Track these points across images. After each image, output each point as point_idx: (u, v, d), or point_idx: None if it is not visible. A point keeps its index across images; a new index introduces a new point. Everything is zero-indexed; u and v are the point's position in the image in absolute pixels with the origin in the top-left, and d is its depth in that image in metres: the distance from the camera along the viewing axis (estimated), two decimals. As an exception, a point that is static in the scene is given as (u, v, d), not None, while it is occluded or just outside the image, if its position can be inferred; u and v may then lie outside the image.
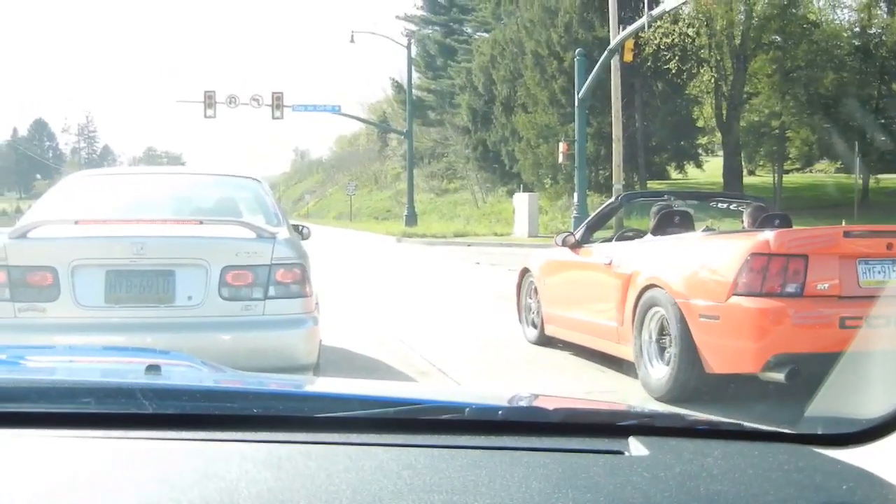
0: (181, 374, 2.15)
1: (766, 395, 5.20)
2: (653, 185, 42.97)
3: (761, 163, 42.40)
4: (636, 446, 1.50)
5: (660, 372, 6.28)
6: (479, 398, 1.73)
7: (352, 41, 45.42)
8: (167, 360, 2.27)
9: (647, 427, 1.59)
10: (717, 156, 44.97)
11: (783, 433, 1.65)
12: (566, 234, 8.49)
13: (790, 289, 5.52)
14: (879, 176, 35.28)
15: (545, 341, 8.62)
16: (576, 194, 27.06)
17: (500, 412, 1.62)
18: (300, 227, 6.74)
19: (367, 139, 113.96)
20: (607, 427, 1.61)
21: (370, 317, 10.91)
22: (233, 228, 5.27)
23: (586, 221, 8.51)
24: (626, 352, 6.87)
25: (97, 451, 1.39)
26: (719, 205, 9.03)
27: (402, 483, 1.28)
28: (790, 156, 39.51)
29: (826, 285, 5.56)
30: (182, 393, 1.70)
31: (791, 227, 6.80)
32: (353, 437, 1.48)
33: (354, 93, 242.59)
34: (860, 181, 26.65)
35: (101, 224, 5.26)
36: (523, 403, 1.76)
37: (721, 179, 39.77)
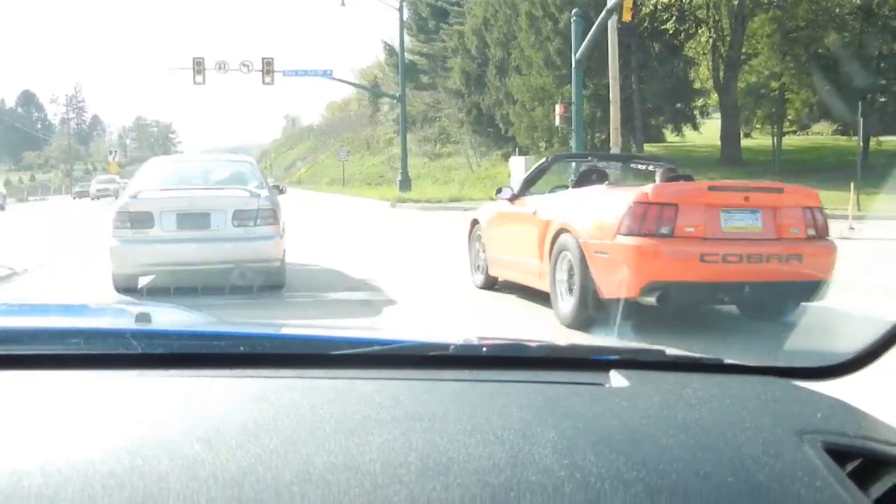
0: (171, 320, 2.22)
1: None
2: (649, 148, 42.57)
3: (758, 125, 41.71)
4: (617, 379, 1.53)
5: (568, 304, 7.54)
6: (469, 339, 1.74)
7: (343, 4, 44.61)
8: (159, 309, 2.33)
9: (629, 361, 1.63)
10: (714, 118, 44.32)
11: (762, 367, 1.69)
12: (506, 188, 9.74)
13: (663, 230, 6.74)
14: (881, 137, 34.74)
15: (490, 284, 9.92)
16: (573, 158, 26.47)
17: (484, 349, 1.62)
18: (280, 187, 11.76)
19: (358, 105, 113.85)
20: (589, 362, 1.65)
21: (356, 275, 11.36)
22: (238, 191, 10.02)
23: (523, 178, 9.74)
24: (546, 285, 8.06)
25: (85, 389, 1.41)
26: (639, 166, 10.19)
27: (385, 412, 1.31)
28: (788, 118, 38.83)
29: (692, 229, 6.79)
30: (170, 334, 1.77)
31: (786, 186, 7.82)
32: (339, 373, 1.51)
33: (345, 58, 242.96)
34: (861, 143, 26.08)
35: (172, 189, 9.99)
36: (507, 343, 1.76)
37: (718, 142, 39.34)
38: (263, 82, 40.50)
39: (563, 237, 7.76)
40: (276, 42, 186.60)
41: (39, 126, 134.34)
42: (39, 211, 41.90)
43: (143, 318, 1.97)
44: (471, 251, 10.60)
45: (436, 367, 1.59)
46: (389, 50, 68.94)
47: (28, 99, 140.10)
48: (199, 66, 40.17)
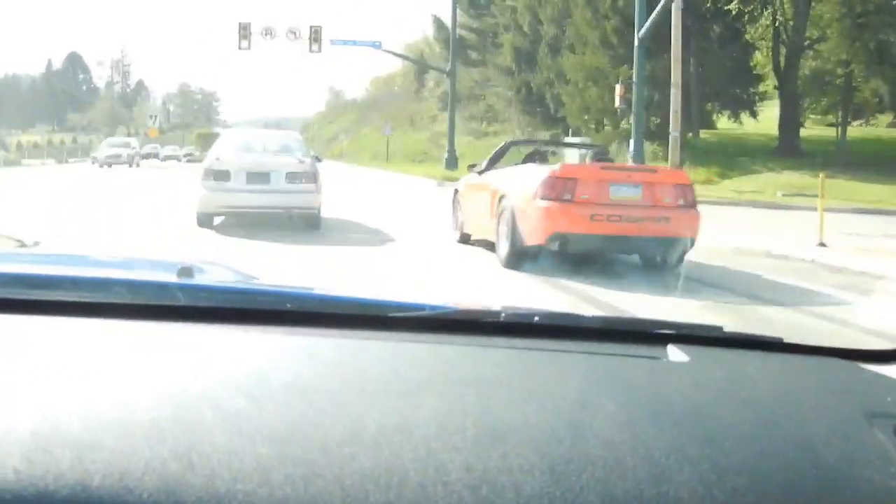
0: (214, 276, 2.19)
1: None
2: (704, 134, 41.23)
3: (812, 115, 39.98)
4: (675, 353, 1.51)
5: (504, 249, 10.07)
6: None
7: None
8: (201, 267, 2.23)
9: (686, 336, 1.60)
10: (768, 105, 42.64)
11: (825, 348, 1.65)
12: (475, 165, 12.69)
13: (565, 197, 9.31)
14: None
15: (465, 239, 12.38)
16: (631, 141, 25.45)
17: (536, 317, 1.60)
18: (317, 157, 15.31)
19: (403, 80, 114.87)
20: (645, 335, 1.63)
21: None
22: (289, 158, 14.11)
23: (488, 158, 12.45)
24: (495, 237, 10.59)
25: (126, 338, 1.40)
26: (580, 150, 14.11)
27: (437, 376, 1.29)
28: (854, 107, 37.26)
29: (587, 196, 9.33)
30: (215, 289, 1.74)
31: (659, 168, 11.47)
32: (388, 336, 1.49)
33: (392, 32, 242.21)
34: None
35: (242, 153, 14.25)
36: (560, 312, 1.73)
37: (774, 130, 37.94)
38: (310, 50, 39.79)
39: (504, 201, 10.35)
40: (322, 11, 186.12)
41: (85, 88, 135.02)
42: (68, 173, 41.23)
43: (186, 272, 1.93)
44: (453, 214, 13.23)
45: (487, 335, 1.55)
46: (438, 24, 67.88)
47: (75, 61, 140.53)
48: (244, 32, 39.35)
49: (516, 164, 11.89)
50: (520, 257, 9.92)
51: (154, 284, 1.73)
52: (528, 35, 47.88)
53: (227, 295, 1.68)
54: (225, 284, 1.92)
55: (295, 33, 39.66)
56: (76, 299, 1.55)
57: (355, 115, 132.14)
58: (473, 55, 60.63)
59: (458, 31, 58.24)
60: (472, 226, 12.13)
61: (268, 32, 39.68)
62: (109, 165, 50.57)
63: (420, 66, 64.42)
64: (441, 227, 13.85)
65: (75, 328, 1.44)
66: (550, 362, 1.43)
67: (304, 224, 14.13)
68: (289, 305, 1.59)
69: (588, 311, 6.24)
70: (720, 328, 1.69)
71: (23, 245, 11.07)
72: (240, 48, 39.39)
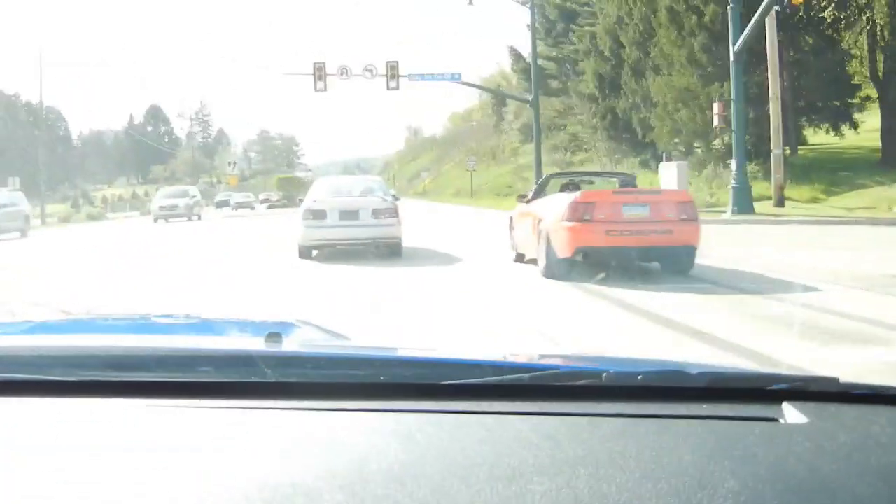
0: (303, 341, 2.21)
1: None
2: (802, 151, 39.44)
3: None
4: (791, 412, 1.42)
5: (543, 261, 12.44)
6: (612, 362, 1.67)
7: (470, 3, 42.61)
8: (288, 328, 2.30)
9: (800, 392, 1.51)
10: (867, 116, 40.26)
11: None
12: (524, 195, 15.06)
13: (585, 217, 11.78)
14: None
15: (520, 258, 14.44)
16: (733, 162, 24.06)
17: (639, 377, 1.52)
18: (396, 196, 18.25)
19: (481, 114, 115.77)
20: (757, 392, 1.53)
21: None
22: (375, 198, 17.21)
23: (533, 189, 15.16)
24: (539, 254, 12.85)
25: (216, 420, 1.39)
26: (610, 178, 17.09)
27: (544, 455, 1.25)
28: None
29: (603, 216, 11.76)
30: (304, 360, 1.72)
31: (666, 190, 15.37)
32: (486, 406, 1.44)
33: (467, 67, 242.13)
34: None
35: (335, 198, 17.22)
36: (661, 368, 1.63)
37: (872, 143, 36.09)
38: (388, 87, 38.93)
39: (542, 224, 12.69)
40: (396, 50, 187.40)
41: (167, 140, 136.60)
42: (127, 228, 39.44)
43: (274, 338, 1.86)
44: (509, 238, 15.62)
45: (589, 399, 1.49)
46: (515, 55, 67.14)
47: (155, 113, 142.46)
48: (319, 72, 38.75)
49: (555, 194, 14.16)
50: (555, 268, 12.31)
51: (240, 358, 1.66)
52: (610, 60, 46.57)
53: (317, 370, 1.62)
54: (315, 352, 1.86)
55: (371, 71, 38.92)
56: (162, 379, 1.52)
57: (435, 152, 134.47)
58: (554, 84, 59.60)
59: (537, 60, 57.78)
60: (522, 246, 14.59)
61: (344, 72, 39.01)
62: (165, 219, 44.49)
63: (500, 97, 63.64)
64: (503, 250, 16.05)
65: (163, 410, 1.40)
66: (660, 431, 1.35)
67: (388, 252, 16.93)
68: (382, 378, 1.55)
69: (650, 334, 7.27)
70: (836, 380, 1.54)
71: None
72: (316, 90, 38.79)
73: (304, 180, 74.05)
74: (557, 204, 12.83)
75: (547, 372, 1.57)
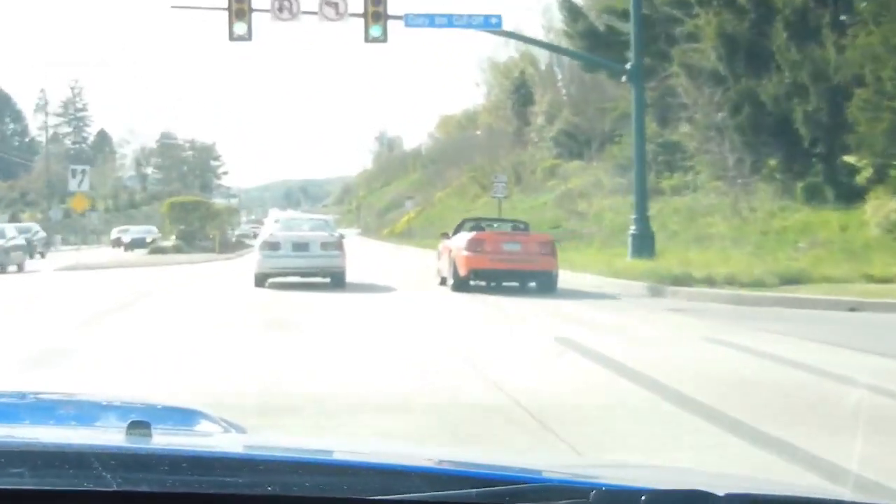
0: (174, 431, 2.24)
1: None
2: None
3: None
4: None
5: (450, 281, 28.76)
6: (596, 467, 1.90)
7: None
8: (166, 415, 2.42)
9: None
10: None
11: None
12: (446, 234, 31.81)
13: (477, 250, 27.89)
14: None
15: (442, 282, 29.85)
16: None
17: (643, 497, 1.58)
18: (342, 234, 33.03)
19: (494, 116, 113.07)
20: None
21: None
22: (323, 233, 31.37)
23: (453, 231, 31.28)
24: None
25: None
26: (512, 225, 33.20)
27: None
28: None
29: (490, 249, 28.08)
30: (163, 460, 1.70)
31: (527, 231, 31.59)
32: None
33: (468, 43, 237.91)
34: None
35: (288, 231, 31.64)
36: (669, 483, 1.78)
37: None
38: (368, 38, 30.75)
39: (451, 253, 28.56)
40: None
41: (17, 144, 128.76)
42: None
43: (138, 429, 1.92)
44: (437, 266, 31.59)
45: None
46: (571, 11, 58.40)
47: (2, 104, 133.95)
48: (241, 9, 29.32)
49: (463, 233, 29.57)
50: (458, 285, 27.13)
51: (71, 457, 1.67)
52: (748, 11, 39.74)
53: (180, 476, 1.63)
54: (180, 450, 1.86)
55: (336, 6, 29.52)
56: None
57: (419, 174, 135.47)
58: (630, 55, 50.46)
59: (596, 23, 55.48)
60: (443, 272, 29.83)
61: (284, 8, 29.59)
62: None
63: (588, 64, 54.44)
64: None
65: None
66: None
67: (333, 281, 29.13)
68: (270, 488, 1.58)
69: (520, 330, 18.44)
70: None
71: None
72: (232, 37, 29.87)
73: (216, 208, 74.82)
74: (461, 239, 28.32)
75: (507, 486, 1.56)
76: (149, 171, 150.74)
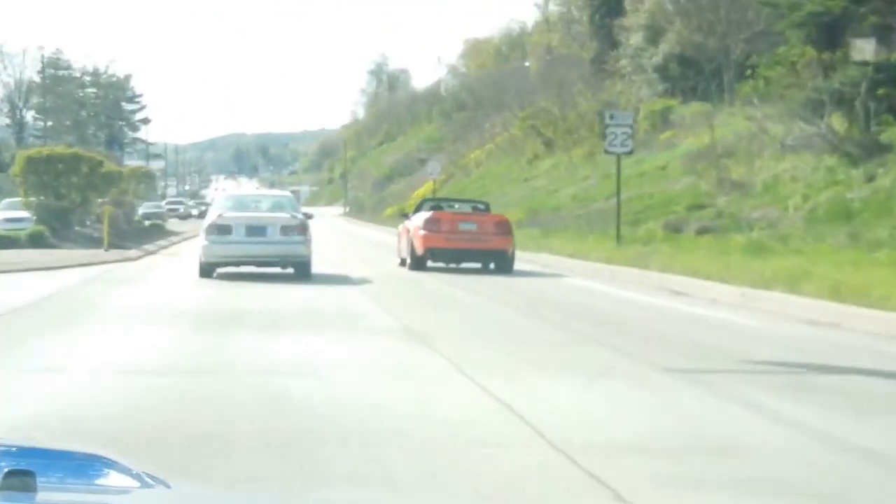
0: (66, 485, 2.36)
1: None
2: None
3: None
4: None
5: (408, 259, 41.42)
6: None
7: None
8: (59, 461, 2.51)
9: None
10: None
11: None
12: (405, 214, 48.45)
13: (433, 228, 39.99)
14: None
15: (402, 262, 42.78)
16: None
17: None
18: (308, 214, 38.25)
19: (557, 36, 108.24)
20: None
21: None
22: (284, 214, 35.40)
23: (413, 211, 45.14)
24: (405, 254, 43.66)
25: None
26: (472, 206, 46.63)
27: None
28: None
29: (446, 227, 40.27)
30: None
31: (489, 212, 44.87)
32: None
33: None
34: None
35: (241, 212, 35.51)
36: None
37: None
38: None
39: (409, 232, 40.90)
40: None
41: None
42: None
43: (17, 481, 1.98)
44: (397, 247, 44.41)
45: None
46: None
47: None
48: None
49: (421, 212, 41.03)
50: (416, 263, 38.47)
51: None
52: None
53: None
54: None
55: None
56: None
57: (440, 124, 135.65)
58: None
59: None
60: (402, 252, 41.30)
61: None
62: None
63: None
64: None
65: None
66: None
67: (296, 274, 32.22)
68: None
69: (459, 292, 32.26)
70: None
71: None
72: None
73: (110, 170, 66.55)
74: (419, 219, 38.35)
75: None
76: (28, 116, 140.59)
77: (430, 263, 38.80)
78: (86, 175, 60.35)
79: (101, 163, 63.48)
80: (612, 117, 53.52)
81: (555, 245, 53.73)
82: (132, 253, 50.16)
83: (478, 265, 39.40)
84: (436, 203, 45.25)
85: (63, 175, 59.40)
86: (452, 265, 38.98)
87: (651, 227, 55.06)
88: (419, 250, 38.27)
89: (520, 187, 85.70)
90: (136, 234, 61.14)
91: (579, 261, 46.68)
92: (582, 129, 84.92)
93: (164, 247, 58.05)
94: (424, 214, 40.01)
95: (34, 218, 61.66)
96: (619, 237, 49.08)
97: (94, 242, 52.69)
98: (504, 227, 39.76)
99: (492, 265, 38.84)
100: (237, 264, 32.10)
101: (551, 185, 79.90)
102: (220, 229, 31.01)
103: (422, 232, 38.37)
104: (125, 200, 66.77)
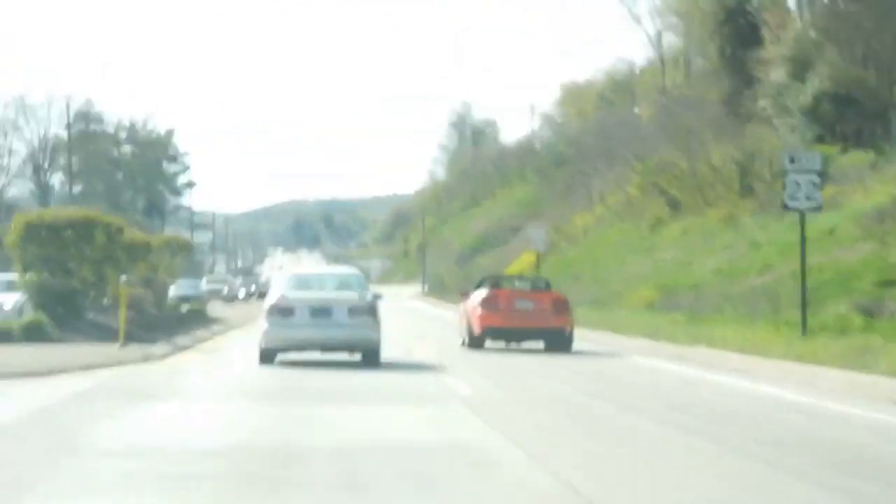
0: None
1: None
2: None
3: None
4: None
5: (466, 338, 50.86)
6: None
7: None
8: None
9: None
10: None
11: None
12: (465, 292, 54.84)
13: (491, 307, 48.80)
14: None
15: (462, 343, 52.34)
16: None
17: None
18: (378, 295, 41.57)
19: (674, 75, 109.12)
20: None
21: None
22: (351, 294, 38.54)
23: (475, 286, 55.70)
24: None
25: None
26: (531, 284, 56.13)
27: None
28: None
29: (502, 306, 49.21)
30: None
31: (549, 289, 53.06)
32: None
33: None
34: None
35: (305, 291, 38.85)
36: None
37: None
38: None
39: (467, 310, 50.44)
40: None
41: None
42: None
43: None
44: (458, 327, 55.02)
45: None
46: None
47: None
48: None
49: (478, 290, 50.77)
50: (473, 343, 47.50)
51: None
52: None
53: None
54: None
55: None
56: None
57: (535, 184, 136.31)
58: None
59: None
60: (462, 332, 49.92)
61: None
62: None
63: None
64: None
65: None
66: None
67: (365, 362, 34.65)
68: None
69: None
70: None
71: None
72: None
73: (137, 239, 63.13)
74: (477, 297, 47.23)
75: None
76: (53, 179, 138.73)
77: (488, 343, 47.32)
78: (103, 246, 54.82)
79: (121, 229, 57.53)
80: (792, 161, 47.45)
81: (714, 336, 49.50)
82: (158, 350, 43.61)
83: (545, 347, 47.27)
84: (495, 279, 53.77)
85: (73, 245, 54.19)
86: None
87: (839, 310, 49.81)
88: (476, 329, 46.29)
89: (643, 259, 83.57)
90: (167, 324, 55.66)
91: (754, 358, 41.15)
92: (717, 186, 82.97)
93: (203, 339, 52.45)
94: (482, 293, 48.26)
95: (28, 301, 55.39)
96: (804, 326, 43.20)
97: (111, 335, 45.43)
98: (562, 306, 47.49)
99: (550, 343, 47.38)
100: (301, 349, 34.44)
101: (683, 255, 77.34)
102: (283, 311, 33.24)
103: (479, 311, 46.30)
104: (155, 279, 61.30)
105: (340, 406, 25.34)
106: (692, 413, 26.19)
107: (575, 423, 24.58)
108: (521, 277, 64.71)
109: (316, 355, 37.31)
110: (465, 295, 52.30)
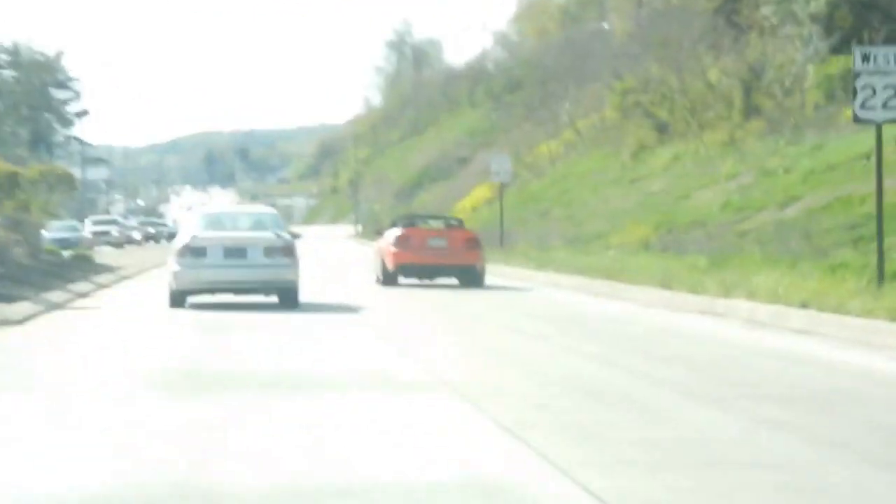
0: None
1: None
2: None
3: None
4: None
5: (380, 274, 63.85)
6: None
7: None
8: None
9: None
10: None
11: None
12: (379, 231, 71.23)
13: (403, 244, 62.12)
14: None
15: (377, 280, 66.14)
16: None
17: None
18: (297, 234, 49.33)
19: None
20: None
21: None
22: (267, 233, 43.27)
23: (387, 228, 69.30)
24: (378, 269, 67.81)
25: None
26: (442, 222, 71.71)
27: None
28: None
29: (415, 244, 62.58)
30: None
31: (462, 227, 68.91)
32: None
33: None
34: None
35: (218, 231, 43.99)
36: None
37: None
38: None
39: (381, 248, 63.94)
40: None
41: None
42: None
43: None
44: (373, 264, 69.21)
45: None
46: None
47: None
48: None
49: (391, 229, 63.44)
50: (386, 280, 59.17)
51: None
52: None
53: None
54: None
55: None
56: None
57: (488, 109, 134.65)
58: None
59: None
60: (376, 269, 61.97)
61: None
62: None
63: None
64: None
65: None
66: None
67: (282, 302, 38.77)
68: None
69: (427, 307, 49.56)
70: None
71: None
72: None
73: (2, 178, 63.58)
74: (390, 235, 58.77)
75: None
76: None
77: (401, 280, 56.98)
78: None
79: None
80: (865, 59, 41.31)
81: (753, 286, 41.81)
82: (17, 310, 36.49)
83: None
84: (409, 219, 65.44)
85: None
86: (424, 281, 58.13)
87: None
88: (390, 266, 56.54)
89: (626, 191, 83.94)
90: (45, 273, 50.48)
91: (826, 316, 34.51)
92: (716, 106, 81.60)
93: (84, 293, 47.13)
94: (395, 231, 58.48)
95: None
96: (881, 273, 37.02)
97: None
98: (474, 243, 58.29)
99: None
100: (213, 291, 37.45)
101: (676, 187, 76.80)
102: (194, 251, 35.88)
103: (393, 249, 56.63)
104: (27, 220, 56.67)
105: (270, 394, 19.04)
106: (845, 427, 17.47)
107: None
108: (434, 216, 75.91)
109: (228, 297, 40.48)
110: (379, 234, 63.92)
